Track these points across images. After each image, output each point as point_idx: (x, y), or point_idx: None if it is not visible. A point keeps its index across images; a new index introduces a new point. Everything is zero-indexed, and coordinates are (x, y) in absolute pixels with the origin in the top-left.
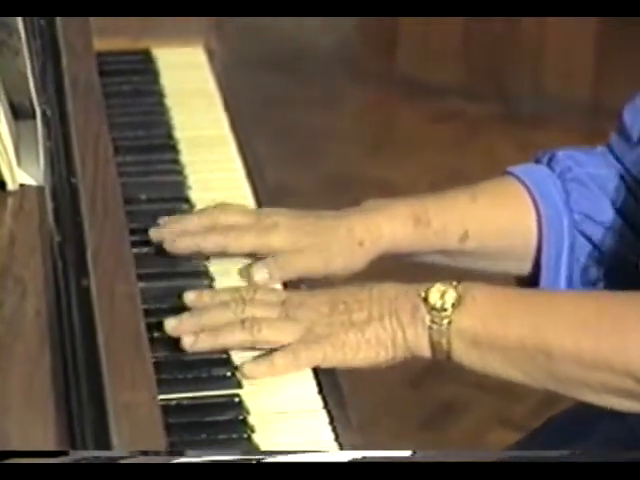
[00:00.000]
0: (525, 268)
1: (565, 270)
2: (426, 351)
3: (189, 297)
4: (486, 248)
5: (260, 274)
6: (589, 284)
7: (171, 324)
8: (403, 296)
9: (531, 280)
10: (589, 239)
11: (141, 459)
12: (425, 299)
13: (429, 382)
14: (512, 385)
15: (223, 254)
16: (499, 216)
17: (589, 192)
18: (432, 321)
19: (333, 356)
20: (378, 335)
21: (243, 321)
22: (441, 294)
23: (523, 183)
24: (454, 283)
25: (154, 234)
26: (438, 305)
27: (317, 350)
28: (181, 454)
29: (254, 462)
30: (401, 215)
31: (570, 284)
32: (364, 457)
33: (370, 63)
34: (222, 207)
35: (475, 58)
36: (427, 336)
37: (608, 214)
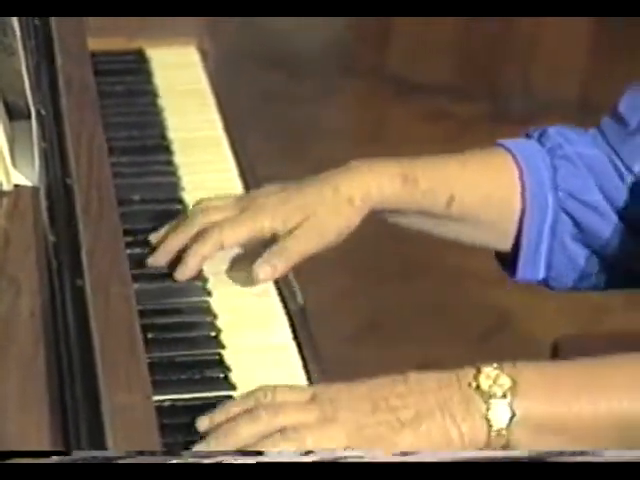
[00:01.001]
0: (504, 242)
1: (546, 247)
2: (482, 443)
3: (204, 424)
4: (471, 215)
5: (263, 271)
6: (569, 262)
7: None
8: (447, 386)
9: (510, 255)
10: (572, 217)
11: (138, 459)
12: (477, 388)
13: None
14: None
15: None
16: (486, 184)
17: (576, 170)
18: (489, 411)
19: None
20: (431, 435)
21: (280, 431)
22: (494, 380)
23: (512, 155)
24: (495, 366)
25: (152, 261)
26: (495, 392)
27: None
28: (177, 454)
29: (250, 463)
30: (389, 172)
31: (549, 261)
32: (363, 457)
33: (362, 61)
34: (205, 203)
35: (466, 57)
36: (486, 426)
37: (593, 194)
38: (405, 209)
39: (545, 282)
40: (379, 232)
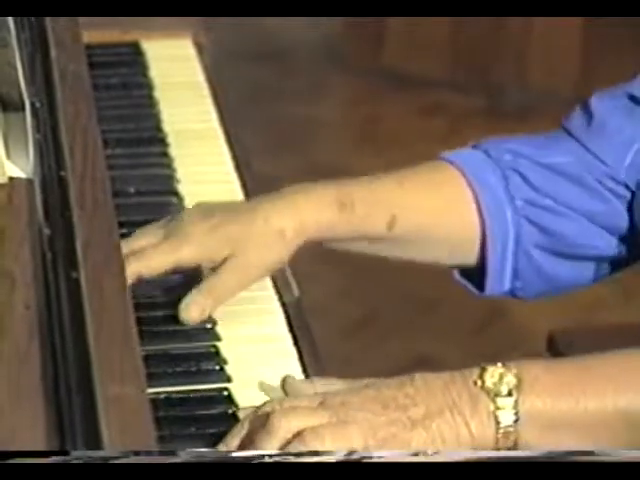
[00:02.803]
0: (460, 258)
1: (511, 260)
2: (490, 440)
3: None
4: (415, 235)
5: (193, 311)
6: (534, 270)
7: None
8: (454, 385)
9: (475, 270)
10: (534, 223)
11: (136, 459)
12: (482, 386)
13: None
14: None
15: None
16: (429, 202)
17: (528, 177)
18: (497, 408)
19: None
20: (442, 432)
21: (297, 436)
22: (499, 378)
23: (459, 170)
24: (500, 365)
25: None
26: (501, 391)
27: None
28: (174, 454)
29: (250, 462)
30: (324, 200)
31: (516, 273)
32: (362, 457)
33: (357, 55)
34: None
35: (461, 51)
36: (493, 424)
37: (547, 198)
38: (343, 236)
39: (511, 292)
40: None
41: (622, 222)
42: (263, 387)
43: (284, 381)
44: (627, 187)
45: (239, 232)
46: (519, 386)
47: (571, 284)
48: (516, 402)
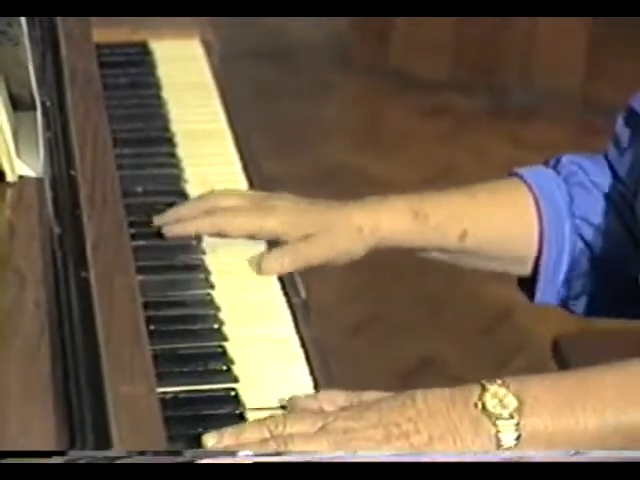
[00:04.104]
0: (522, 269)
1: (563, 276)
2: None
3: (211, 441)
4: (486, 247)
5: (271, 265)
6: (585, 289)
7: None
8: (454, 409)
9: (529, 281)
10: (588, 244)
11: (139, 459)
12: (483, 409)
13: (426, 383)
14: None
15: (220, 238)
16: (499, 215)
17: (590, 197)
18: (498, 431)
19: None
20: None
21: None
22: (499, 400)
23: (526, 183)
24: (500, 383)
25: (157, 220)
26: (502, 414)
27: None
28: (180, 454)
29: (253, 462)
30: (399, 208)
31: (569, 290)
32: (363, 457)
33: (361, 56)
34: (222, 191)
35: (465, 52)
36: (495, 446)
37: (607, 220)
38: (416, 245)
39: (564, 305)
40: None
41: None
42: (270, 387)
43: (289, 402)
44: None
45: (324, 219)
46: (520, 408)
47: (623, 314)
48: (517, 424)
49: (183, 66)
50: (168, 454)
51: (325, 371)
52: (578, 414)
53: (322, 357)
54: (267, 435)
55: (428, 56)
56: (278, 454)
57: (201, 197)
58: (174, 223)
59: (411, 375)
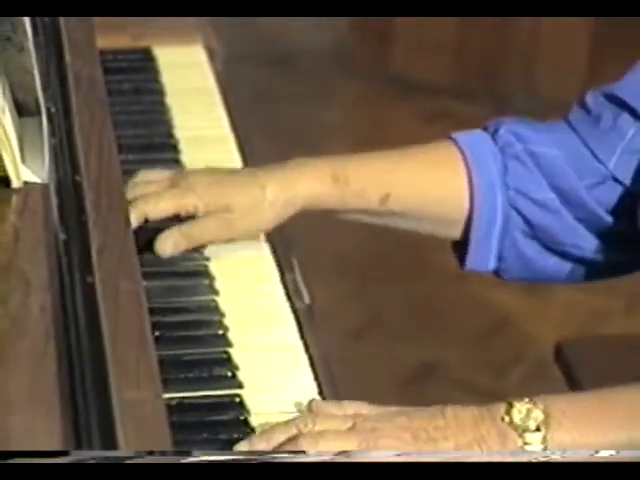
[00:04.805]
0: (455, 233)
1: (495, 244)
2: None
3: (243, 448)
4: (411, 209)
5: (165, 245)
6: (519, 257)
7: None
8: (482, 421)
9: (462, 245)
10: (522, 215)
11: (146, 459)
12: (510, 422)
13: (428, 388)
14: (500, 388)
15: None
16: (425, 178)
17: (526, 169)
18: (525, 444)
19: None
20: None
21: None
22: (526, 414)
23: (461, 151)
24: (527, 400)
25: None
26: (529, 426)
27: None
28: (185, 454)
29: (257, 462)
30: (319, 173)
31: (501, 259)
32: (364, 458)
33: (363, 61)
34: (140, 178)
35: (467, 58)
36: None
37: (543, 192)
38: (337, 208)
39: (496, 273)
40: (381, 235)
41: (604, 228)
42: (274, 393)
43: (310, 404)
44: (616, 181)
45: (236, 193)
46: (546, 421)
47: (552, 277)
48: (544, 437)
49: (186, 72)
50: (175, 454)
51: (329, 376)
52: (605, 429)
53: (326, 362)
54: (296, 433)
55: (429, 61)
56: (283, 455)
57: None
58: None
59: (414, 380)
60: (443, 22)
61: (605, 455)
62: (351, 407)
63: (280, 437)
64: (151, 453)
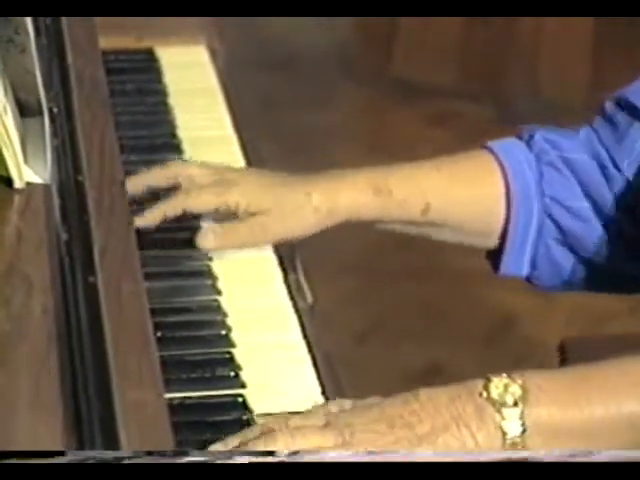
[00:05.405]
0: (489, 242)
1: (530, 248)
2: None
3: (217, 449)
4: (450, 221)
5: (205, 240)
6: (552, 265)
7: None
8: (459, 398)
9: (497, 250)
10: (556, 223)
11: (145, 459)
12: (488, 397)
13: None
14: None
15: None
16: (464, 189)
17: (561, 177)
18: (503, 419)
19: None
20: (449, 447)
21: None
22: (504, 389)
23: (496, 157)
24: (507, 375)
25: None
26: (506, 402)
27: None
28: (185, 454)
29: (259, 462)
30: (361, 184)
31: (534, 261)
32: (365, 457)
33: (366, 64)
34: (182, 163)
35: (471, 60)
36: (500, 435)
37: (577, 200)
38: (379, 219)
39: (528, 280)
40: (385, 235)
41: (626, 235)
42: (277, 393)
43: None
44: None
45: (282, 196)
46: (524, 396)
47: (581, 285)
48: (522, 412)
49: (189, 72)
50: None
51: (332, 377)
52: (583, 404)
53: (329, 363)
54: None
55: (433, 64)
56: (280, 455)
57: (163, 171)
58: (135, 189)
59: (418, 380)
60: (445, 25)
61: (603, 455)
62: (334, 403)
63: (255, 433)
64: (150, 453)
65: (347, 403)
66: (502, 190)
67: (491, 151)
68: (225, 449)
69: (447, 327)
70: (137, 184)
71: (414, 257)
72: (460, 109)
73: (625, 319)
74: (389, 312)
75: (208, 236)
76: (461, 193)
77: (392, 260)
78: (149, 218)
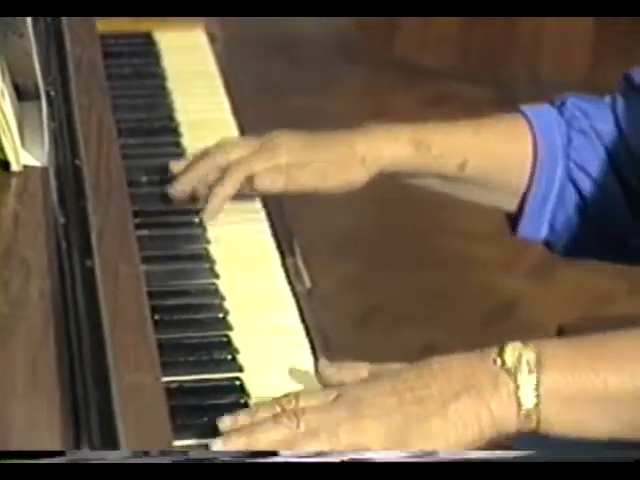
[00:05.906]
0: (514, 204)
1: (549, 215)
2: (512, 421)
3: (225, 424)
4: (482, 179)
5: (265, 182)
6: (568, 229)
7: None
8: (471, 367)
9: (515, 214)
10: (578, 188)
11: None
12: (502, 365)
13: None
14: None
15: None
16: (498, 151)
17: (589, 144)
18: (518, 387)
19: (426, 447)
20: (461, 415)
21: (310, 432)
22: (518, 357)
23: (528, 121)
24: (519, 343)
25: (173, 190)
26: (522, 369)
27: (411, 446)
28: (184, 453)
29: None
30: (403, 138)
31: (552, 230)
32: (365, 457)
33: (367, 46)
34: (223, 143)
35: (472, 42)
36: (515, 404)
37: (602, 169)
38: (417, 172)
39: (546, 244)
40: (384, 219)
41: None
42: (275, 377)
43: (317, 366)
44: None
45: (327, 151)
46: (539, 363)
47: (597, 254)
48: (537, 379)
49: (187, 56)
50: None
51: (330, 360)
52: (598, 370)
53: (327, 346)
54: (290, 432)
55: (435, 46)
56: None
57: (207, 154)
58: (186, 186)
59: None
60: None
61: (608, 455)
62: (349, 368)
63: (262, 414)
64: (147, 453)
65: (363, 368)
66: (530, 150)
67: (524, 114)
68: (234, 426)
69: (446, 311)
70: (185, 183)
71: (413, 241)
72: (460, 91)
73: (623, 301)
74: (388, 296)
75: (264, 178)
76: (496, 151)
77: (391, 244)
78: (216, 205)
